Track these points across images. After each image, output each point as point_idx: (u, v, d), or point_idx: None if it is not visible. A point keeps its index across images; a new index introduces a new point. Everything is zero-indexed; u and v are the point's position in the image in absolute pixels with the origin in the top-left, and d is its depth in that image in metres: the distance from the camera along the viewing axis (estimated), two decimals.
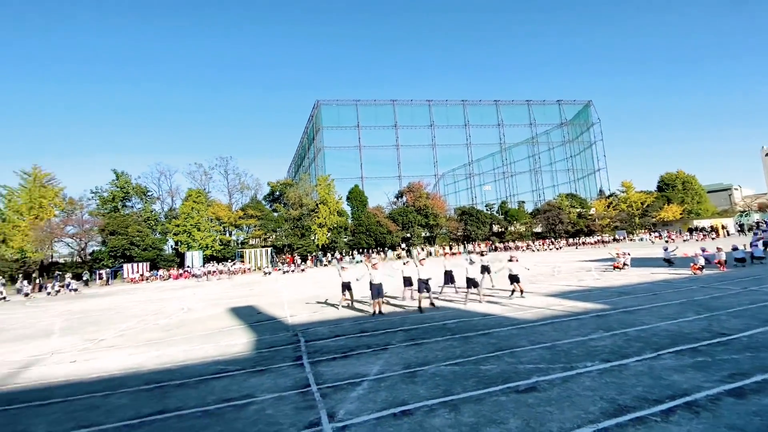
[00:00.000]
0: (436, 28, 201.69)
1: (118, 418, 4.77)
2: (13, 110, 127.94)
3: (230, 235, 47.00)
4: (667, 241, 39.23)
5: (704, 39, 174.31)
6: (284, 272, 34.51)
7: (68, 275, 32.45)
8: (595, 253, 31.47)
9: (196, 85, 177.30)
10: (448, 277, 13.31)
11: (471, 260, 11.67)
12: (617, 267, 17.25)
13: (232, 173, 53.28)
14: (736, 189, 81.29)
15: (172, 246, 45.45)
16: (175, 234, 42.89)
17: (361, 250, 45.06)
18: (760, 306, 8.49)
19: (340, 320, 10.24)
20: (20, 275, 35.01)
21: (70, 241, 41.59)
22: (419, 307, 10.64)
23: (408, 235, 49.49)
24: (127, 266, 38.02)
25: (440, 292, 13.30)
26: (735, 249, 16.57)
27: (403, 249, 47.18)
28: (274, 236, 46.36)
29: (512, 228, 55.22)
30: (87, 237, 41.22)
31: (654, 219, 55.62)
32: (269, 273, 33.73)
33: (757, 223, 48.77)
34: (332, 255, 44.13)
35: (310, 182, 52.74)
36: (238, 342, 8.55)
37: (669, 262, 17.49)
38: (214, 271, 36.20)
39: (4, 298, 25.21)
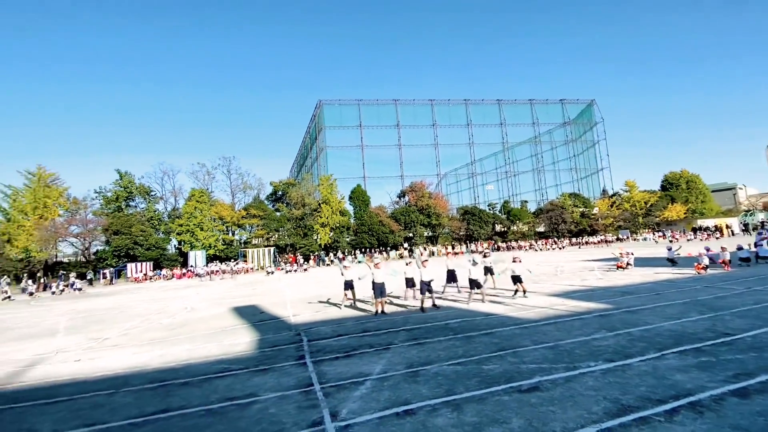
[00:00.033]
0: (438, 28, 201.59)
1: (123, 416, 4.80)
2: (16, 111, 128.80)
3: (233, 234, 47.15)
4: (671, 241, 39.01)
5: (708, 38, 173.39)
6: (287, 272, 34.58)
7: (72, 275, 32.67)
8: (599, 253, 31.37)
9: (198, 86, 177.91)
10: (451, 277, 13.32)
11: (474, 261, 11.65)
12: (620, 267, 17.19)
13: (234, 173, 53.49)
14: (740, 188, 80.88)
15: (175, 246, 45.63)
16: (178, 234, 43.06)
17: (363, 250, 45.08)
18: (765, 306, 8.43)
19: (342, 320, 10.25)
20: (25, 275, 35.29)
21: (74, 240, 41.88)
22: (421, 307, 10.64)
23: (410, 234, 49.48)
24: (130, 266, 38.22)
25: (442, 292, 13.29)
26: (740, 248, 16.48)
27: (405, 249, 47.19)
28: (276, 236, 46.46)
29: (515, 227, 55.12)
30: (91, 237, 41.45)
31: (658, 218, 55.38)
32: (272, 272, 33.82)
33: (762, 222, 48.50)
34: (335, 254, 44.18)
35: (312, 182, 52.81)
36: (241, 341, 8.58)
37: (673, 261, 17.41)
38: (217, 271, 36.32)
39: (9, 297, 25.39)
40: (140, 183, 46.88)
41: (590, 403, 4.25)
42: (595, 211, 57.06)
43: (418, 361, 6.16)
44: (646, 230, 54.33)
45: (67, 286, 29.18)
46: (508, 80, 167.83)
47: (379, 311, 10.59)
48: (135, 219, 41.89)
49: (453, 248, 47.69)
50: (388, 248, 46.48)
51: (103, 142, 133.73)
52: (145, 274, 37.82)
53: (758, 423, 3.62)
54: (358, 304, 12.22)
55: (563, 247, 46.90)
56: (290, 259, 40.85)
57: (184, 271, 39.18)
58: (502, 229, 55.30)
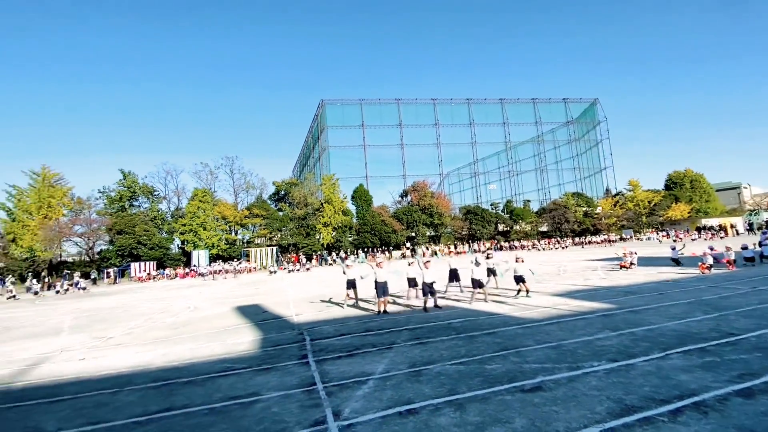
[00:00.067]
0: (441, 27, 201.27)
1: (127, 415, 4.83)
2: (20, 111, 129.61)
3: (236, 234, 47.26)
4: (675, 241, 38.83)
5: (712, 37, 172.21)
6: (289, 271, 34.65)
7: (77, 274, 32.87)
8: (602, 253, 31.25)
9: (201, 86, 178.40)
10: (453, 275, 13.31)
11: (477, 261, 11.63)
12: (624, 266, 17.12)
13: (237, 173, 53.64)
14: (745, 187, 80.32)
15: (178, 245, 45.80)
16: (181, 233, 43.22)
17: (365, 250, 45.10)
18: None
19: (345, 319, 10.26)
20: (30, 274, 35.48)
21: (78, 240, 42.10)
22: (424, 307, 10.63)
23: (413, 234, 49.45)
24: (134, 265, 38.40)
25: (445, 291, 13.28)
26: (744, 248, 16.38)
27: (408, 248, 47.18)
28: (279, 235, 46.56)
29: (517, 227, 54.98)
30: (95, 236, 41.68)
31: (661, 218, 55.10)
32: (274, 272, 33.90)
33: (767, 221, 48.16)
34: (337, 254, 44.23)
35: (315, 181, 52.88)
36: (244, 340, 8.61)
37: (677, 261, 17.32)
38: (220, 270, 36.44)
39: (15, 296, 25.57)
40: (144, 183, 47.10)
41: (593, 403, 4.23)
42: (599, 210, 56.82)
43: (420, 361, 6.16)
44: (650, 230, 54.08)
45: (71, 285, 29.34)
46: (511, 79, 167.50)
47: (382, 311, 10.59)
48: (138, 219, 42.07)
49: (456, 248, 47.64)
50: (391, 248, 46.48)
51: (106, 142, 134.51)
52: (149, 274, 37.99)
53: (763, 423, 3.59)
54: (361, 304, 12.23)
55: (566, 247, 46.76)
56: (293, 259, 40.94)
57: (187, 270, 39.34)
58: (505, 229, 55.18)
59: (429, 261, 11.33)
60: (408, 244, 48.17)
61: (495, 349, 6.48)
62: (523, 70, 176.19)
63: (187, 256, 42.70)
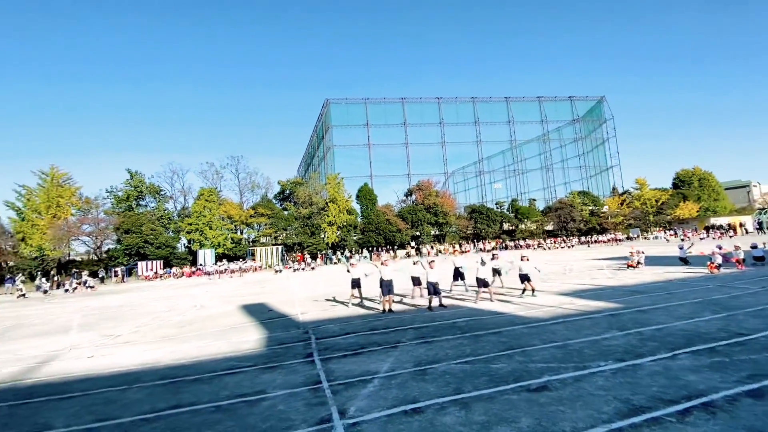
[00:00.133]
0: (445, 25, 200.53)
1: (135, 412, 4.88)
2: (27, 111, 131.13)
3: (241, 233, 47.51)
4: (682, 240, 38.44)
5: (720, 35, 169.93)
6: (294, 270, 34.76)
7: (85, 273, 33.22)
8: (608, 252, 31.01)
9: (206, 85, 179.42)
10: (458, 274, 13.28)
11: (483, 261, 11.60)
12: (631, 266, 16.98)
13: (243, 172, 53.82)
14: (755, 186, 79.13)
15: (184, 244, 46.14)
16: (187, 232, 43.52)
17: (370, 249, 45.14)
18: None
19: (350, 318, 10.28)
20: (39, 273, 35.97)
21: (86, 239, 42.56)
22: (429, 306, 10.62)
23: (417, 233, 49.40)
24: (141, 264, 38.75)
25: (450, 290, 13.27)
26: (754, 247, 16.17)
27: (412, 247, 47.15)
28: (284, 234, 46.73)
29: (523, 226, 54.70)
30: (103, 235, 42.09)
31: (669, 217, 54.54)
32: (280, 271, 34.03)
33: None
34: (342, 253, 44.32)
35: (319, 181, 53.04)
36: (250, 339, 8.66)
37: (685, 261, 17.15)
38: (226, 269, 36.66)
39: (24, 295, 25.90)
40: (150, 182, 47.42)
41: (600, 403, 4.21)
42: (605, 209, 56.37)
43: (425, 360, 6.16)
44: (657, 229, 53.57)
45: (80, 283, 29.65)
46: (517, 78, 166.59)
47: (387, 309, 10.59)
48: (145, 218, 42.42)
49: (461, 247, 47.53)
50: (395, 247, 46.47)
51: (112, 142, 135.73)
52: (156, 273, 38.31)
53: None
54: (365, 303, 12.24)
55: (572, 246, 46.45)
56: (298, 258, 41.07)
57: (193, 269, 39.62)
58: (510, 228, 54.95)
59: (433, 260, 11.31)
60: (413, 244, 48.13)
61: (500, 349, 6.46)
62: (528, 68, 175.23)
63: (194, 255, 43.01)
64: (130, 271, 39.27)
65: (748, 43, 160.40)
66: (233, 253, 43.38)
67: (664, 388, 4.47)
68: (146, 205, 47.19)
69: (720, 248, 15.24)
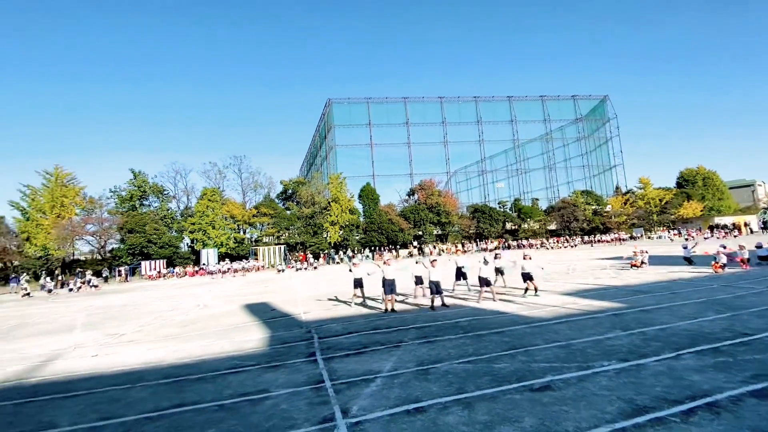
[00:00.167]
0: (447, 24, 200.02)
1: (139, 410, 4.91)
2: (31, 111, 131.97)
3: (244, 233, 47.64)
4: (687, 239, 38.26)
5: (724, 34, 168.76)
6: (297, 270, 34.84)
7: (89, 272, 33.41)
8: (612, 251, 30.90)
9: (209, 85, 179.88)
10: (460, 274, 13.27)
11: (485, 260, 11.58)
12: (635, 265, 16.91)
13: (245, 172, 53.95)
14: (759, 185, 78.63)
15: (187, 244, 46.30)
16: (190, 232, 43.68)
17: (372, 248, 45.17)
18: None
19: (352, 317, 10.29)
20: (43, 272, 36.20)
21: (90, 239, 42.80)
22: (431, 306, 10.61)
23: (420, 233, 49.38)
24: (144, 263, 38.93)
25: (452, 290, 13.26)
26: (759, 246, 16.06)
27: (415, 247, 47.13)
28: (287, 234, 46.83)
29: (526, 225, 54.57)
30: (106, 235, 42.30)
31: (673, 216, 54.27)
32: (282, 270, 34.11)
33: None
34: (344, 253, 44.36)
35: (322, 180, 53.05)
36: (253, 338, 8.68)
37: (689, 260, 17.05)
38: (229, 269, 36.78)
39: (29, 294, 26.08)
40: (153, 182, 47.62)
41: (604, 402, 4.19)
42: (608, 208, 56.14)
43: (428, 359, 6.16)
44: (661, 228, 53.31)
45: (84, 283, 29.83)
46: (519, 77, 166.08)
47: (389, 309, 10.59)
48: (149, 218, 42.60)
49: (463, 246, 47.47)
50: (398, 246, 46.47)
51: (115, 141, 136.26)
52: (159, 272, 38.47)
53: None
54: (368, 302, 12.25)
55: (575, 246, 46.31)
56: (300, 257, 41.15)
57: (196, 269, 39.77)
58: (513, 227, 54.82)
59: (435, 259, 11.31)
60: (415, 243, 48.12)
61: (503, 348, 6.45)
62: (531, 67, 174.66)
63: (197, 254, 43.16)
64: (133, 271, 39.46)
65: (751, 42, 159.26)
66: (236, 253, 43.50)
67: (668, 388, 4.45)
68: (149, 205, 47.39)
69: (724, 248, 15.15)
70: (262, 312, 12.27)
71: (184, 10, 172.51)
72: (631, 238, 49.85)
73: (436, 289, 10.45)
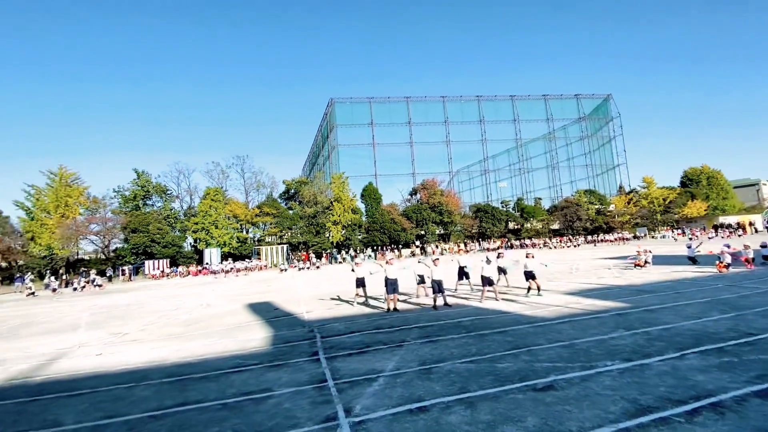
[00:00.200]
0: (450, 23, 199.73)
1: (142, 409, 4.93)
2: (28, 111, 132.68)
3: (247, 232, 47.78)
4: (691, 239, 38.04)
5: (727, 34, 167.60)
6: (300, 269, 34.90)
7: (93, 271, 33.58)
8: (615, 251, 30.77)
9: (212, 85, 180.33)
10: (462, 273, 13.24)
11: (488, 259, 11.56)
12: (638, 265, 16.84)
13: (248, 172, 54.08)
14: (764, 184, 78.08)
15: (191, 243, 46.49)
16: (193, 231, 43.86)
17: (375, 248, 45.18)
18: None
19: (355, 317, 10.30)
20: (48, 271, 36.42)
21: (94, 238, 43.05)
22: (434, 305, 10.61)
23: (422, 232, 49.35)
24: (148, 263, 39.11)
25: (455, 290, 13.24)
26: (764, 246, 15.95)
27: (417, 246, 47.11)
28: (289, 234, 46.93)
29: (529, 225, 54.44)
30: (110, 234, 42.53)
31: (677, 216, 53.98)
32: (285, 270, 34.18)
33: None
34: (346, 252, 44.40)
35: (324, 180, 53.11)
36: (256, 337, 8.70)
37: (693, 260, 16.95)
38: (232, 268, 36.89)
39: (33, 293, 26.25)
40: (157, 182, 47.84)
41: (607, 402, 4.18)
42: (612, 208, 55.91)
43: (431, 359, 6.15)
44: (665, 228, 53.06)
45: (88, 282, 29.99)
46: (522, 76, 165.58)
47: (392, 308, 10.60)
48: (152, 217, 42.79)
49: (465, 246, 47.40)
50: (400, 246, 46.46)
51: (118, 141, 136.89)
52: (162, 271, 38.64)
53: None
54: (370, 302, 12.26)
55: (578, 245, 46.16)
56: (303, 257, 41.21)
57: (199, 268, 39.90)
58: (516, 227, 54.71)
59: (438, 258, 11.29)
60: (417, 243, 48.09)
61: (506, 348, 6.44)
62: (534, 66, 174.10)
63: (200, 254, 43.32)
64: (137, 270, 39.64)
65: (755, 41, 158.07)
66: (239, 252, 43.63)
67: (672, 388, 4.43)
68: (153, 205, 47.62)
69: (728, 247, 15.06)
70: (264, 311, 12.30)
71: (186, 10, 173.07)
72: (635, 237, 49.62)
73: (438, 288, 10.43)
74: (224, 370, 6.32)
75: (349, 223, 46.43)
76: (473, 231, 52.24)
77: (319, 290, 17.20)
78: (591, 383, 4.73)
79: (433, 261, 10.97)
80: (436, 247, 45.93)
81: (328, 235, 46.04)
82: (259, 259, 41.81)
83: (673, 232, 48.61)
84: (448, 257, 32.34)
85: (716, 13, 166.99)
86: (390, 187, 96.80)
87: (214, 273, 36.90)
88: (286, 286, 20.23)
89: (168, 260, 40.47)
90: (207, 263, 40.67)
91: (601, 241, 48.14)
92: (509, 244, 49.27)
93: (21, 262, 39.77)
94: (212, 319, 11.44)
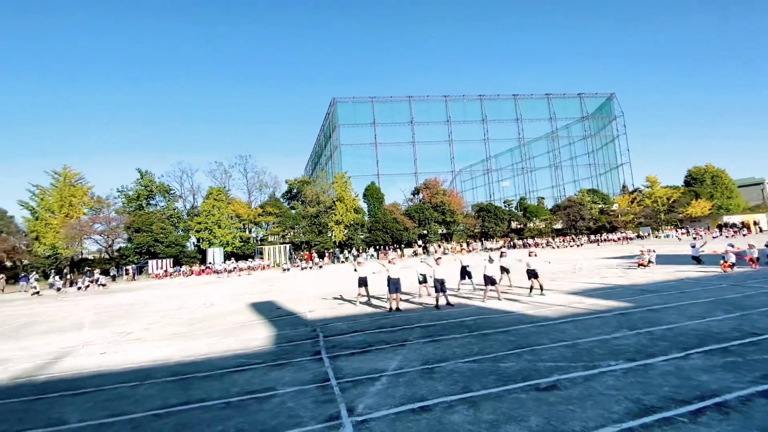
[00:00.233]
0: (452, 22, 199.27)
1: (147, 407, 4.95)
2: (31, 111, 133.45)
3: (250, 232, 47.89)
4: (695, 238, 37.83)
5: (731, 33, 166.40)
6: (302, 269, 34.95)
7: (97, 271, 33.78)
8: (618, 250, 30.66)
9: (211, 85, 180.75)
10: (465, 273, 13.24)
11: (491, 258, 11.54)
12: (642, 264, 16.77)
13: (251, 171, 54.16)
14: None
15: (194, 243, 46.65)
16: (197, 231, 44.01)
17: (377, 247, 45.20)
18: None
19: (357, 316, 10.31)
20: (52, 271, 36.65)
21: (98, 238, 43.24)
22: (436, 304, 10.60)
23: (424, 232, 49.33)
24: (151, 262, 39.28)
25: (457, 289, 13.23)
26: None
27: (420, 246, 47.10)
28: (292, 233, 47.01)
29: (531, 224, 54.29)
30: (114, 234, 42.73)
31: (681, 215, 53.70)
32: (288, 269, 34.23)
33: None
34: (349, 251, 44.44)
35: (327, 179, 53.18)
36: (259, 336, 8.73)
37: (697, 260, 16.86)
38: (234, 268, 37.00)
39: (38, 292, 26.42)
40: (160, 182, 48.01)
41: (611, 402, 4.16)
42: (615, 207, 55.67)
43: (433, 358, 6.15)
44: (669, 227, 52.80)
45: (92, 281, 30.15)
46: (525, 74, 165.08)
47: (394, 308, 10.60)
48: (155, 217, 42.96)
49: (468, 245, 47.33)
50: (403, 245, 46.46)
51: (120, 141, 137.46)
52: (166, 271, 38.79)
53: None
54: (373, 301, 12.27)
55: (581, 245, 45.99)
56: (305, 256, 41.28)
57: (202, 267, 40.03)
58: (519, 226, 54.59)
59: (440, 258, 11.28)
60: (420, 242, 48.08)
61: (509, 347, 6.43)
62: (536, 64, 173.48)
63: (203, 253, 43.47)
64: (140, 270, 39.82)
65: (760, 39, 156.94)
66: (242, 252, 43.74)
67: (676, 388, 4.41)
68: (156, 204, 47.80)
69: (733, 246, 14.98)
70: (267, 310, 12.33)
71: (187, 10, 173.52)
72: (638, 237, 49.41)
73: (440, 287, 10.43)
74: (227, 369, 6.34)
75: (352, 222, 46.47)
76: (476, 231, 52.16)
77: (321, 290, 17.23)
78: (594, 383, 4.72)
79: (436, 260, 10.97)
80: (439, 246, 45.90)
81: (330, 235, 46.10)
82: (262, 258, 41.89)
83: (676, 231, 48.36)
84: (451, 257, 32.32)
85: (720, 11, 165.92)
86: (392, 186, 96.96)
87: (217, 272, 37.01)
88: (289, 286, 20.27)
89: (171, 260, 40.64)
90: (210, 263, 40.80)
91: (605, 240, 47.93)
92: (512, 243, 49.16)
93: (26, 262, 40.04)
94: (215, 319, 11.48)
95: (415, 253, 44.18)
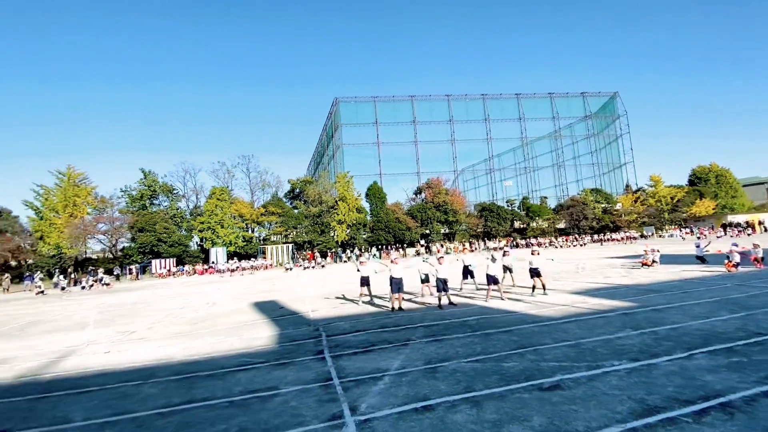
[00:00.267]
0: (454, 21, 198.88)
1: (150, 406, 4.97)
2: (32, 111, 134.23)
3: (252, 231, 48.02)
4: (699, 238, 37.63)
5: (734, 32, 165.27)
6: (305, 268, 35.02)
7: (101, 270, 33.95)
8: (622, 250, 30.54)
9: (213, 84, 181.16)
10: (467, 272, 13.21)
11: (493, 257, 11.52)
12: (645, 264, 16.69)
13: (253, 171, 54.42)
14: None
15: (197, 242, 46.83)
16: (200, 231, 44.17)
17: (380, 247, 45.21)
18: None
19: (360, 316, 10.32)
20: (57, 270, 36.88)
21: (102, 237, 43.50)
22: (439, 304, 10.59)
23: (427, 231, 49.30)
24: (155, 262, 39.46)
25: (460, 289, 13.21)
26: None
27: (422, 245, 47.08)
28: (294, 233, 47.11)
29: (534, 224, 54.16)
30: (118, 234, 42.96)
31: (685, 214, 53.42)
32: (290, 269, 34.29)
33: None
34: (351, 251, 44.48)
35: (329, 179, 53.28)
36: (262, 335, 8.75)
37: (702, 259, 16.76)
38: (237, 267, 37.11)
39: (42, 292, 26.59)
40: (163, 182, 48.23)
41: (614, 402, 4.15)
42: (618, 206, 55.45)
43: (436, 358, 6.15)
44: (673, 227, 52.53)
45: (96, 281, 30.32)
46: (528, 74, 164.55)
47: (396, 307, 10.60)
48: (159, 217, 43.16)
49: (470, 245, 47.26)
50: (405, 245, 46.45)
51: (123, 141, 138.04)
52: (169, 270, 38.96)
53: None
54: (375, 301, 12.27)
55: (585, 244, 45.85)
56: (308, 256, 41.35)
57: (205, 267, 40.18)
58: (521, 226, 54.45)
59: (442, 257, 11.27)
60: (422, 242, 48.06)
61: (512, 347, 6.42)
62: (539, 63, 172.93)
63: (206, 253, 43.63)
64: (144, 269, 40.01)
65: (764, 38, 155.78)
66: (244, 251, 43.88)
67: (680, 388, 4.39)
68: (159, 204, 48.03)
69: (737, 246, 14.89)
70: (270, 310, 12.35)
71: (188, 10, 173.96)
72: (642, 236, 49.20)
73: (443, 286, 10.42)
74: (231, 368, 6.36)
75: (354, 222, 46.50)
76: (478, 230, 52.09)
77: (324, 289, 17.25)
78: (598, 383, 4.70)
79: (438, 259, 10.95)
80: (441, 246, 45.86)
81: (332, 235, 46.15)
82: (265, 258, 42.01)
83: (681, 231, 48.11)
84: (453, 256, 32.29)
85: (724, 10, 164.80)
86: (395, 186, 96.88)
87: (220, 272, 37.16)
88: (292, 285, 20.31)
89: (174, 259, 40.82)
90: (213, 262, 40.96)
91: (608, 240, 47.76)
92: (515, 243, 49.05)
93: (30, 261, 40.31)
94: (218, 318, 11.52)
95: (418, 253, 44.17)
